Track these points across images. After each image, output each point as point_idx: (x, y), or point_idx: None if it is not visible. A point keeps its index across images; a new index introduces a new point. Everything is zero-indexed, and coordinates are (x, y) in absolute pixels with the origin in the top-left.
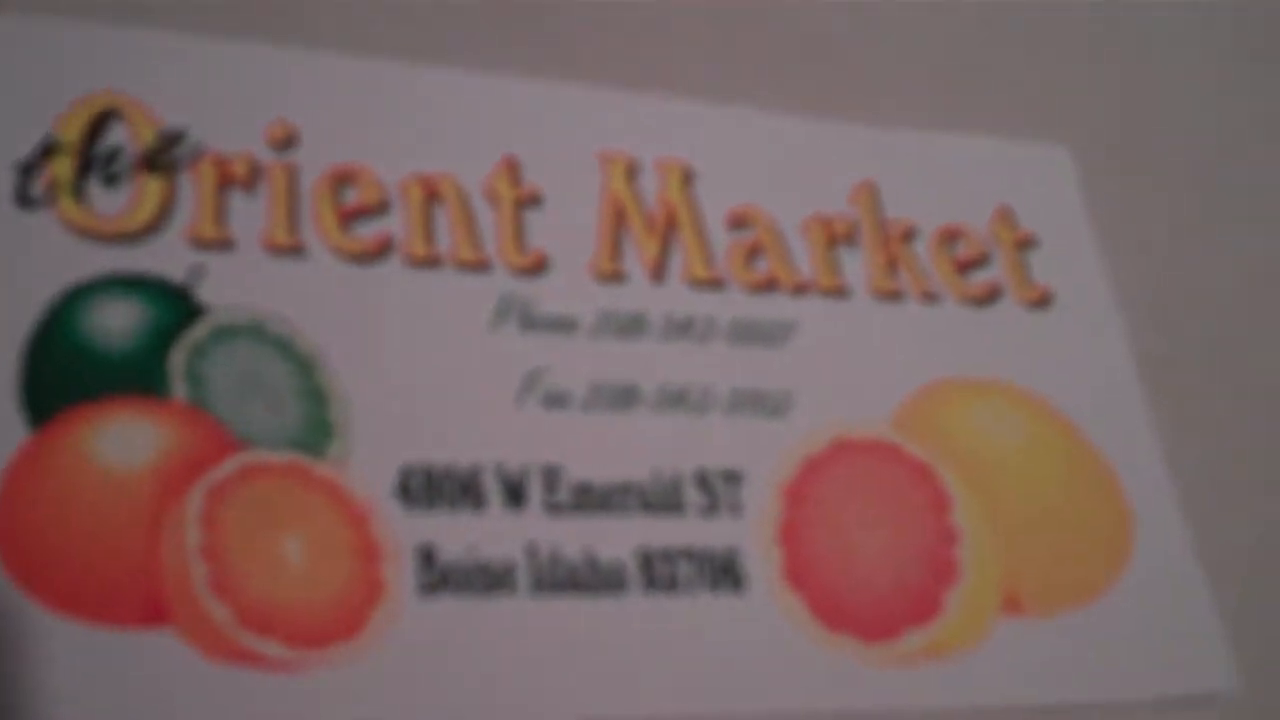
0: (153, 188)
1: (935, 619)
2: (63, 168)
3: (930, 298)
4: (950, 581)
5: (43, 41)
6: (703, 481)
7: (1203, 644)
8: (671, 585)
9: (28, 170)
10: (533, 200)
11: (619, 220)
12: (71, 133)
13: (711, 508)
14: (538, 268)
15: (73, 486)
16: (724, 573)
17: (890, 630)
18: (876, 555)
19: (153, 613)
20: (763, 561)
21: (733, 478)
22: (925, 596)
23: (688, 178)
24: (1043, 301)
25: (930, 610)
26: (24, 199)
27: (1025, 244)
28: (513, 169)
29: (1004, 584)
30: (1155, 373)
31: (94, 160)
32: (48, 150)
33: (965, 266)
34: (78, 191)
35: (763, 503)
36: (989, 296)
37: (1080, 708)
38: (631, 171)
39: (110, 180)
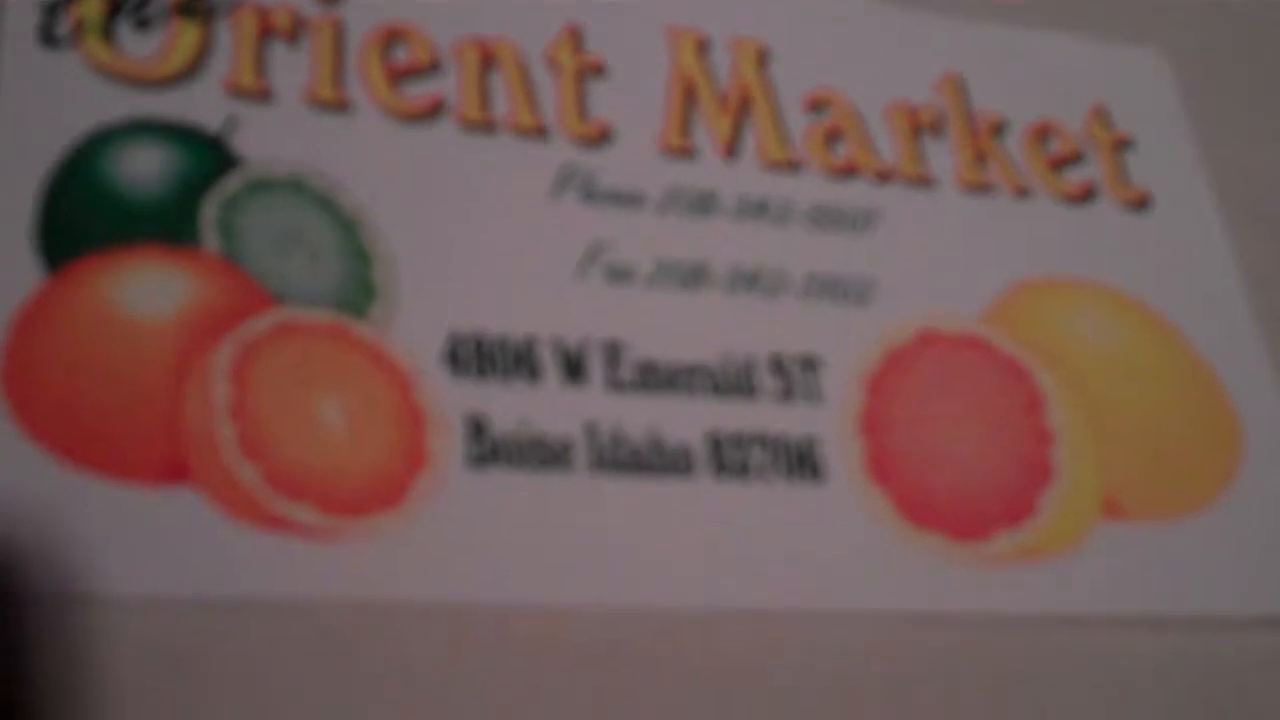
0: (188, 33)
1: (1028, 520)
2: (90, 7)
3: (1023, 193)
4: (1044, 483)
5: None
6: (778, 366)
7: None
8: (743, 471)
9: (53, 8)
10: (596, 71)
11: (688, 96)
12: None
13: (787, 393)
14: (601, 138)
15: (91, 334)
16: (801, 461)
17: (980, 529)
18: (966, 452)
19: (175, 470)
20: (843, 452)
21: (810, 364)
22: (1018, 496)
23: (763, 57)
24: (1141, 203)
25: (1023, 511)
26: (48, 37)
27: (1121, 144)
28: (576, 37)
29: (1103, 487)
30: (1260, 278)
31: (124, 2)
32: None
33: (1059, 163)
34: (106, 33)
35: (843, 391)
36: (1085, 195)
37: (1182, 620)
38: (702, 48)
39: (142, 24)
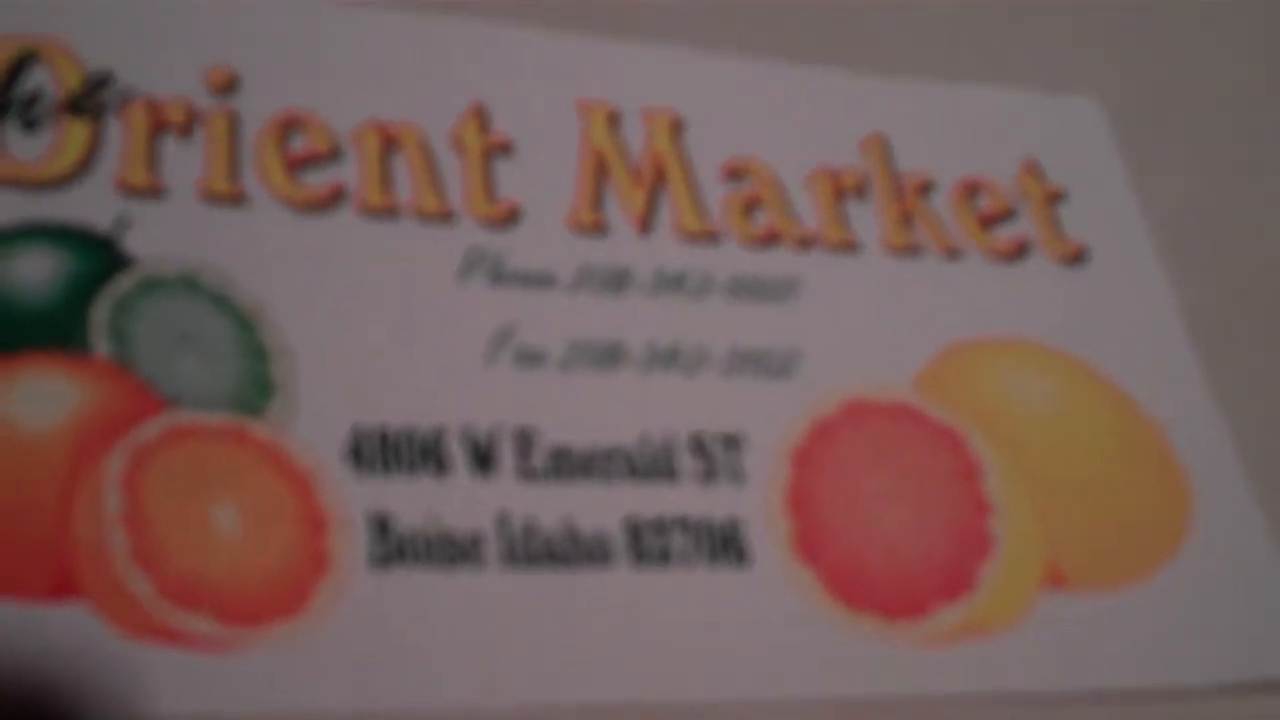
0: (77, 132)
1: (968, 595)
2: None
3: (952, 253)
4: (984, 554)
5: None
6: (698, 446)
7: (1271, 624)
8: (664, 558)
9: None
10: (503, 149)
11: (600, 170)
12: None
13: (709, 474)
14: (510, 218)
15: None
16: (725, 545)
17: (918, 607)
18: (899, 526)
19: (64, 585)
20: (769, 532)
21: (733, 442)
22: (956, 570)
23: (677, 127)
24: (1077, 257)
25: (962, 585)
26: None
27: (1054, 198)
28: (481, 116)
29: (1045, 556)
30: (1203, 328)
31: (11, 103)
32: None
33: (990, 221)
34: None
35: (768, 469)
36: (1017, 252)
37: (1133, 693)
38: (614, 120)
39: (30, 125)
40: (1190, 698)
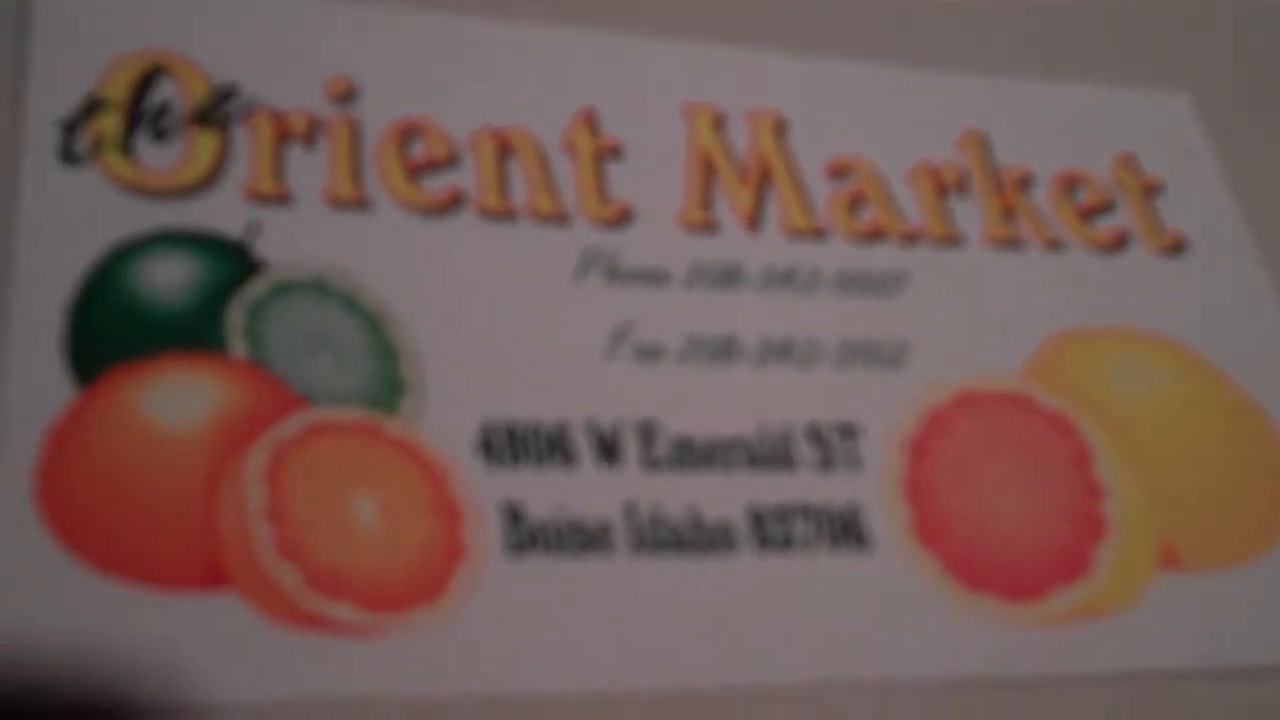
0: (205, 143)
1: (1085, 577)
2: (108, 123)
3: (1053, 245)
4: (1099, 537)
5: (86, 2)
6: (815, 435)
7: None
8: (787, 544)
9: (71, 127)
10: (613, 153)
11: (707, 171)
12: (117, 90)
13: (827, 463)
14: (622, 219)
15: (123, 446)
16: (845, 530)
17: (1036, 589)
18: (1015, 511)
19: (214, 576)
20: (888, 518)
21: (848, 431)
22: (1072, 553)
23: (780, 128)
24: (1176, 248)
25: (1079, 568)
26: (68, 155)
27: (1151, 190)
28: (591, 121)
29: (1160, 538)
30: None
31: (142, 116)
32: (91, 108)
33: (1089, 213)
34: (125, 147)
35: (884, 457)
36: (1117, 244)
37: (1251, 670)
38: (719, 123)
39: (159, 136)
40: None
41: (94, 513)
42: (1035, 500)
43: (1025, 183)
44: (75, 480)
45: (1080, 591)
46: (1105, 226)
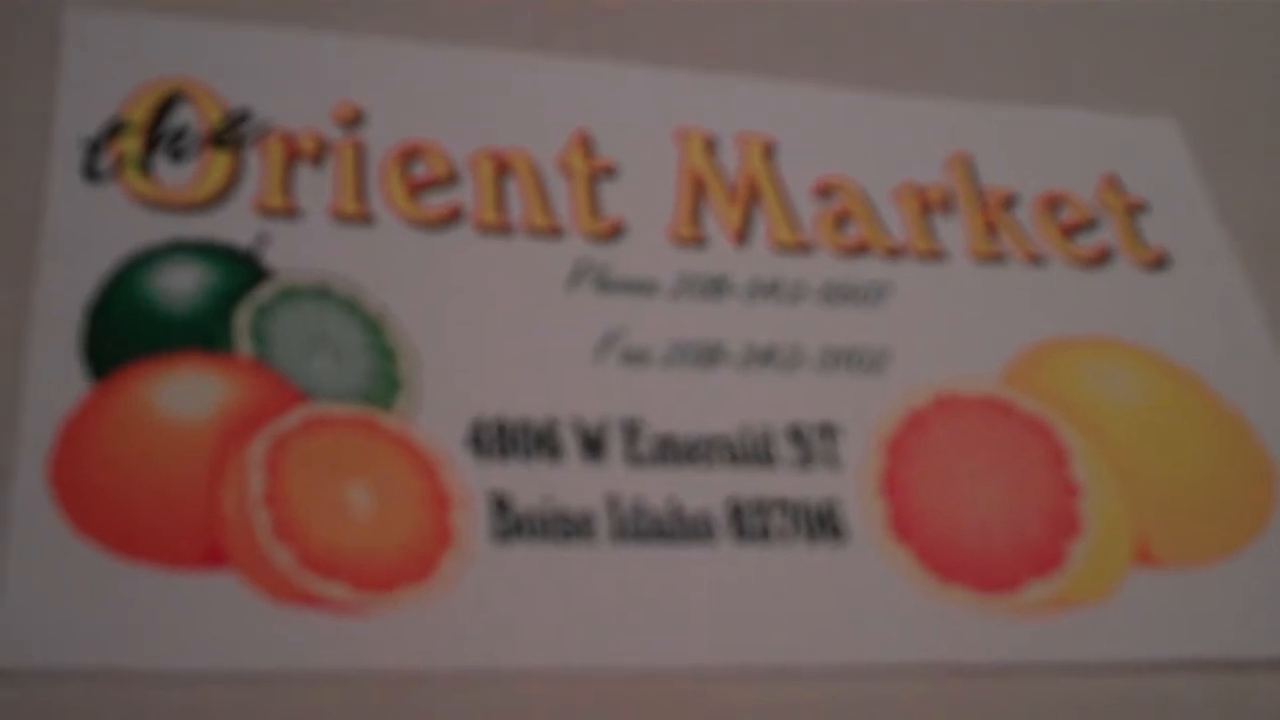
0: (219, 161)
1: (1058, 570)
2: (130, 144)
3: (1036, 260)
4: (1073, 534)
5: (113, 31)
6: (796, 435)
7: None
8: (764, 535)
9: (95, 147)
10: (607, 173)
11: (698, 190)
12: (139, 113)
13: (806, 460)
14: (614, 233)
15: (134, 435)
16: (821, 523)
17: (1009, 581)
18: (990, 507)
19: (214, 556)
20: (864, 513)
21: (828, 431)
22: (1046, 548)
23: (770, 151)
24: (1158, 263)
25: (1052, 561)
26: (91, 173)
27: (1135, 209)
28: (586, 143)
29: (1134, 535)
30: None
31: (161, 137)
32: (115, 129)
33: (1072, 230)
34: (145, 166)
35: (863, 455)
36: (1100, 258)
37: (1222, 663)
38: (710, 146)
39: (177, 156)
40: (1273, 670)
41: (104, 497)
42: (1010, 497)
43: (1009, 202)
44: (87, 467)
45: (1053, 584)
46: (1088, 243)
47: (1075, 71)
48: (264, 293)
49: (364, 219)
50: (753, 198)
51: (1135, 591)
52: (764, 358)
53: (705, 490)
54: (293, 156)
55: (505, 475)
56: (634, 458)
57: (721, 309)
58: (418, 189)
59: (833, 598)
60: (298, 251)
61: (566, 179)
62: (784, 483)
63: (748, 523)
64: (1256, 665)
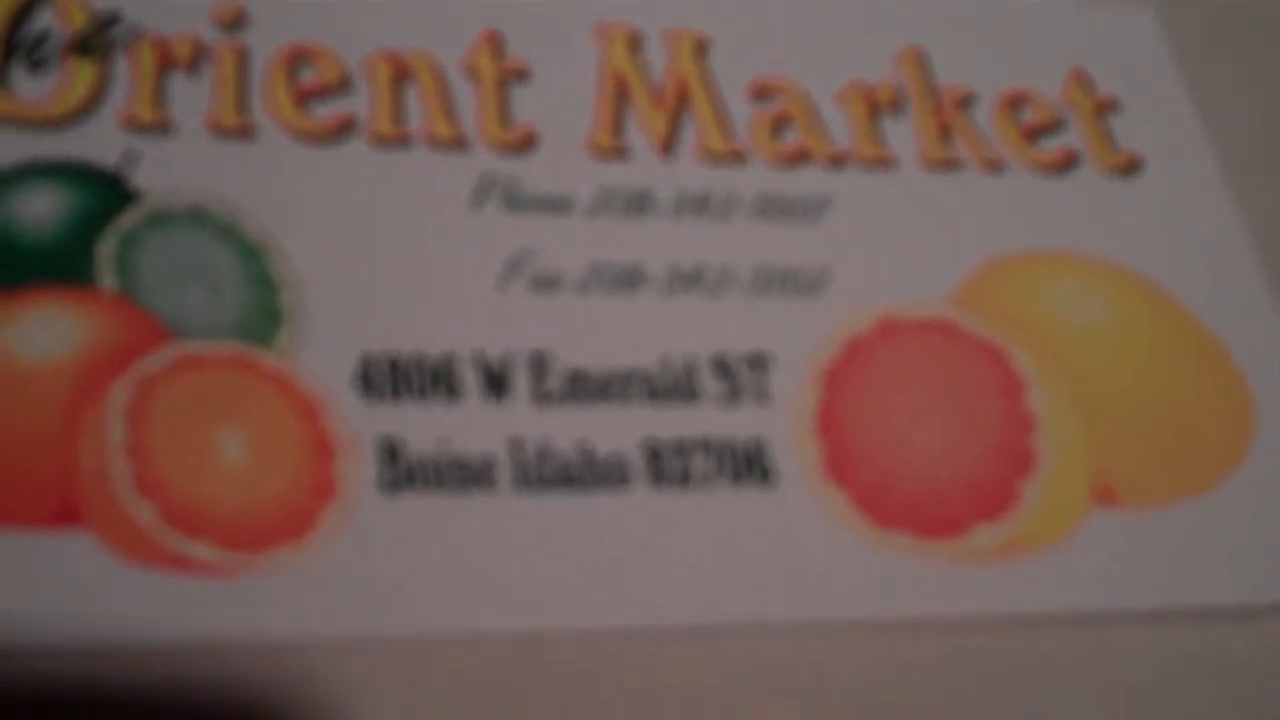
0: (84, 71)
1: (1010, 512)
2: None
3: (993, 166)
4: (1026, 471)
5: None
6: (722, 367)
7: None
8: (685, 480)
9: None
10: (519, 76)
11: (620, 94)
12: None
13: (733, 395)
14: (525, 144)
15: None
16: (749, 466)
17: (953, 526)
18: (936, 445)
19: (67, 513)
20: (797, 453)
21: (759, 362)
22: (997, 488)
23: (701, 48)
24: (1129, 167)
25: (1003, 503)
26: None
27: (1105, 108)
28: (495, 44)
29: (1094, 473)
30: (1268, 242)
31: (17, 45)
32: None
33: (1034, 133)
34: None
35: (796, 389)
36: (1064, 164)
37: (1187, 612)
38: (634, 43)
39: (36, 66)
40: (1250, 617)
41: None
42: (958, 432)
43: (966, 101)
44: None
45: (1003, 529)
46: (1051, 146)
47: None
48: (131, 218)
49: (244, 132)
50: (681, 102)
51: (1094, 535)
52: (690, 281)
53: (620, 431)
54: (166, 63)
55: (397, 418)
56: (541, 396)
57: (644, 227)
58: (305, 97)
59: (760, 547)
60: (170, 171)
61: (473, 84)
62: (708, 421)
63: (666, 466)
64: (1226, 614)
